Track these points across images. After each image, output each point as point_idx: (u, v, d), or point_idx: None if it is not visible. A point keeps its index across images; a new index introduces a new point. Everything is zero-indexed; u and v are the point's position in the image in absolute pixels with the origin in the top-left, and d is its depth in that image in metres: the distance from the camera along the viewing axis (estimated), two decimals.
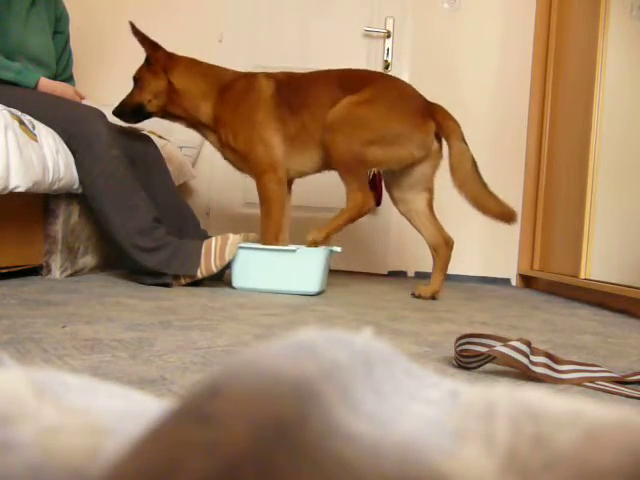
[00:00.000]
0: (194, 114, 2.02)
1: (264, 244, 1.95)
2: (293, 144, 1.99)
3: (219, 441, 0.15)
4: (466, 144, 1.97)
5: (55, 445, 0.18)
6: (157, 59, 2.04)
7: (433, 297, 1.98)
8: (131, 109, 2.04)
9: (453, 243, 2.07)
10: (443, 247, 2.05)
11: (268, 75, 2.05)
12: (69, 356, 0.84)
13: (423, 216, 2.08)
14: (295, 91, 2.00)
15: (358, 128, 1.89)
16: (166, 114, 2.06)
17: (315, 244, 1.87)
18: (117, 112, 2.06)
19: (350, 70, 2.10)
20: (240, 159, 2.02)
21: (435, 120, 1.97)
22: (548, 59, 2.91)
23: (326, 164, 2.02)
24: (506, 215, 1.95)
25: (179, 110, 2.02)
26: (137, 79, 2.07)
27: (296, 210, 2.86)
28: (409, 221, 2.11)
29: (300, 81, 2.04)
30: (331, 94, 1.96)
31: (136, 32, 2.05)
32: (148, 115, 2.06)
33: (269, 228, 1.97)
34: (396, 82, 2.08)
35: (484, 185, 1.94)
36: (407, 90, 2.05)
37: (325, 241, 1.89)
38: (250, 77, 2.04)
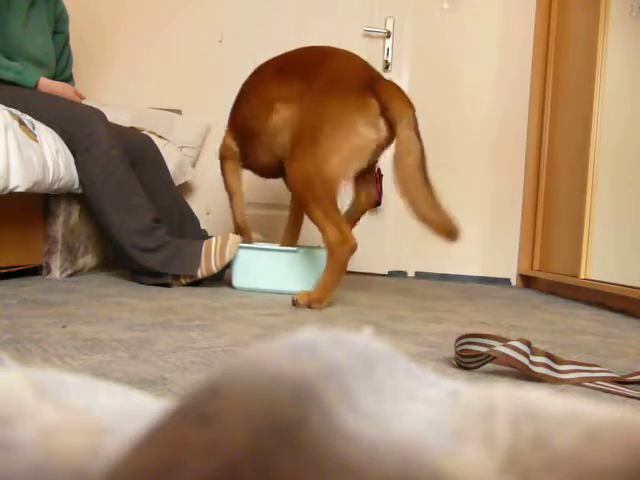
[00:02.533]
0: None
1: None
2: (242, 140, 1.94)
3: (219, 441, 0.15)
4: (416, 133, 1.62)
5: (55, 445, 0.18)
6: None
7: (309, 306, 1.59)
8: None
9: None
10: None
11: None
12: (69, 356, 0.84)
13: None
14: (244, 89, 1.95)
15: (304, 145, 1.66)
16: None
17: (310, 308, 1.57)
18: None
19: (290, 55, 1.90)
20: None
21: (379, 99, 1.63)
22: (548, 59, 2.91)
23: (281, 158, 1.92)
24: (446, 231, 1.60)
25: None
26: None
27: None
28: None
29: (252, 76, 1.95)
30: (266, 85, 1.84)
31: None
32: None
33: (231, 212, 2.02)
34: (331, 62, 1.78)
35: (428, 189, 1.61)
36: (343, 70, 1.75)
37: (323, 301, 1.60)
38: None
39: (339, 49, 1.91)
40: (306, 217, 1.92)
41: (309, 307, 1.57)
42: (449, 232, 1.60)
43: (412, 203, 1.60)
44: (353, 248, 1.68)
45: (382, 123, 1.65)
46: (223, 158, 2.02)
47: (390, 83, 1.70)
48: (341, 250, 1.65)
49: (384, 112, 1.64)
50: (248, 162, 1.99)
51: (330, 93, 1.68)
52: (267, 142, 1.84)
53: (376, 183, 2.57)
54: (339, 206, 1.70)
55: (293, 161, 1.69)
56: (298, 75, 1.78)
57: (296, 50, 1.92)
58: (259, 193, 2.92)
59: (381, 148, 1.70)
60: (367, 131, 1.64)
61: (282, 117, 1.77)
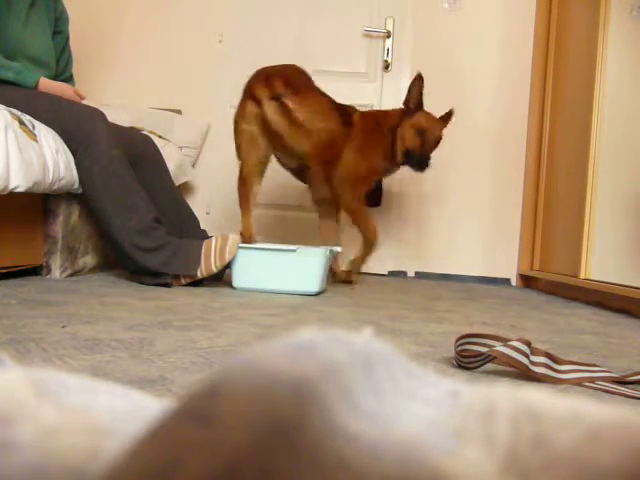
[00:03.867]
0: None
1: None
2: None
3: (219, 441, 0.15)
4: (264, 102, 2.07)
5: (55, 445, 0.18)
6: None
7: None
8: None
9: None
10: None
11: None
12: (69, 356, 0.84)
13: None
14: None
15: None
16: None
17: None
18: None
19: None
20: None
21: (254, 98, 2.09)
22: (548, 59, 2.91)
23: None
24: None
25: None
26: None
27: (296, 210, 2.87)
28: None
29: None
30: None
31: (417, 82, 2.17)
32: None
33: None
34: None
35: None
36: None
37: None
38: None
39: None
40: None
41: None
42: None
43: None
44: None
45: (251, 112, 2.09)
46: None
47: (259, 75, 2.13)
48: None
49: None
50: None
51: None
52: None
53: (377, 185, 2.60)
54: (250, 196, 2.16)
55: None
56: None
57: None
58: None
59: (274, 133, 2.08)
60: (247, 126, 2.09)
61: None
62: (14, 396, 0.20)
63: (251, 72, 2.19)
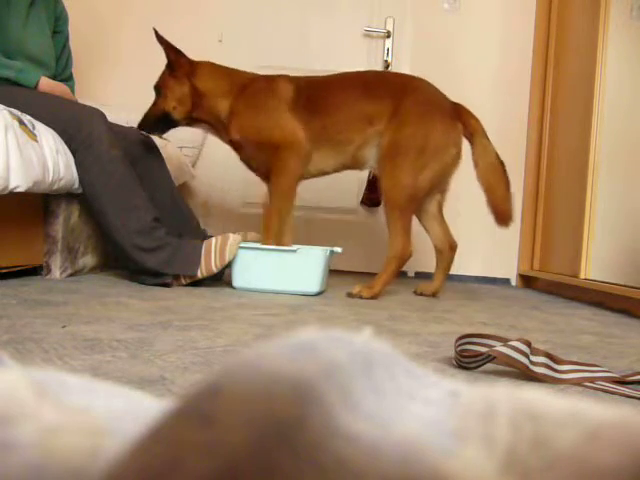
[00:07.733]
0: (215, 113, 2.02)
1: (266, 227, 1.95)
2: (313, 145, 1.98)
3: (219, 441, 0.15)
4: (488, 140, 2.03)
5: (55, 445, 0.18)
6: (181, 65, 2.03)
7: (434, 295, 2.10)
8: (156, 119, 2.04)
9: (456, 247, 2.14)
10: (447, 251, 2.13)
11: (289, 78, 2.05)
12: (69, 356, 0.84)
13: (432, 218, 2.13)
14: (315, 97, 2.01)
15: (404, 155, 1.91)
16: (191, 120, 2.06)
17: (361, 298, 1.84)
18: (142, 125, 2.05)
19: (371, 75, 2.14)
20: (256, 147, 1.97)
21: (461, 120, 2.02)
22: (548, 59, 2.91)
23: (345, 166, 2.08)
24: (502, 215, 1.98)
25: (203, 113, 2.03)
26: (159, 88, 2.05)
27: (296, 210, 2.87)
28: (418, 220, 2.12)
29: (321, 87, 2.04)
30: (354, 100, 1.99)
31: (160, 39, 2.02)
32: (174, 124, 2.05)
33: (276, 210, 1.95)
34: (419, 86, 2.05)
35: (502, 179, 2.02)
36: (434, 95, 2.05)
37: (377, 296, 1.89)
38: (270, 79, 2.05)
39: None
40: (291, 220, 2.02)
41: (360, 297, 1.84)
42: (503, 216, 1.99)
43: (488, 191, 2.05)
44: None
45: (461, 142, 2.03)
46: (298, 156, 1.98)
47: (462, 105, 2.06)
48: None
49: (464, 129, 2.03)
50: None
51: (431, 111, 2.02)
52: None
53: (376, 186, 2.58)
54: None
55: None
56: (387, 92, 2.00)
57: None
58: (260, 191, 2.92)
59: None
60: (454, 150, 2.02)
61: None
62: (14, 396, 0.20)
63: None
